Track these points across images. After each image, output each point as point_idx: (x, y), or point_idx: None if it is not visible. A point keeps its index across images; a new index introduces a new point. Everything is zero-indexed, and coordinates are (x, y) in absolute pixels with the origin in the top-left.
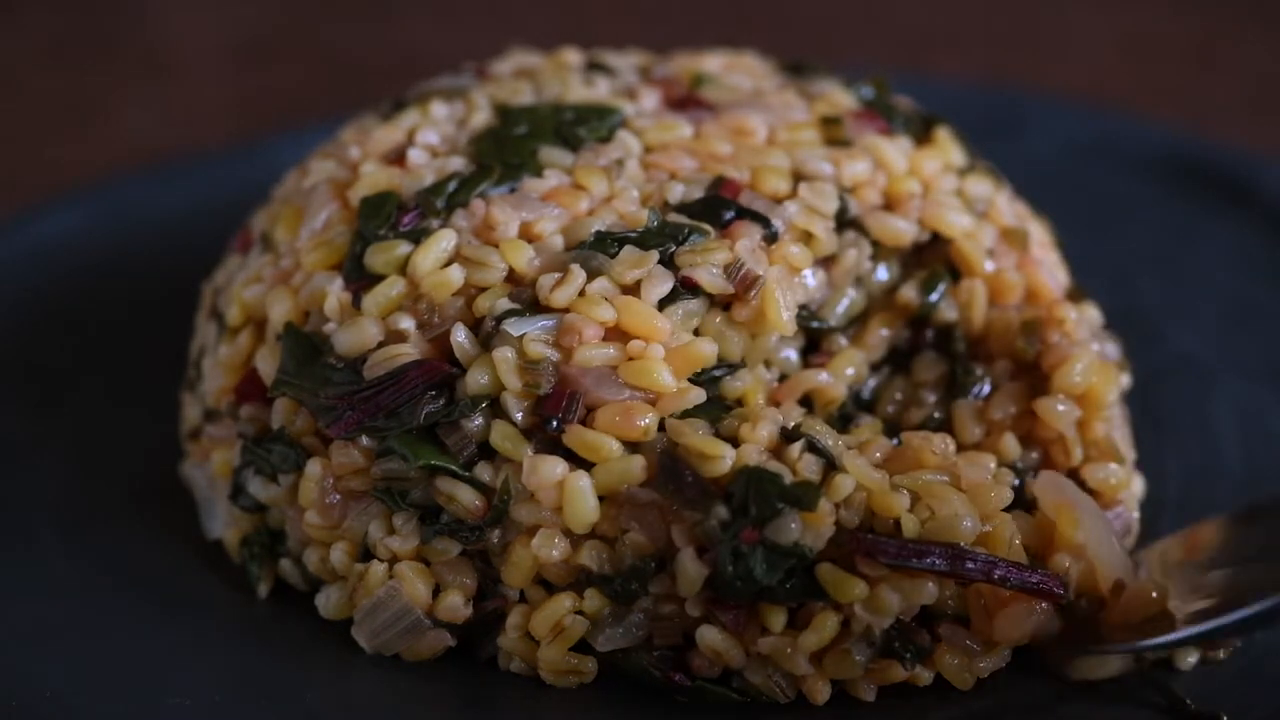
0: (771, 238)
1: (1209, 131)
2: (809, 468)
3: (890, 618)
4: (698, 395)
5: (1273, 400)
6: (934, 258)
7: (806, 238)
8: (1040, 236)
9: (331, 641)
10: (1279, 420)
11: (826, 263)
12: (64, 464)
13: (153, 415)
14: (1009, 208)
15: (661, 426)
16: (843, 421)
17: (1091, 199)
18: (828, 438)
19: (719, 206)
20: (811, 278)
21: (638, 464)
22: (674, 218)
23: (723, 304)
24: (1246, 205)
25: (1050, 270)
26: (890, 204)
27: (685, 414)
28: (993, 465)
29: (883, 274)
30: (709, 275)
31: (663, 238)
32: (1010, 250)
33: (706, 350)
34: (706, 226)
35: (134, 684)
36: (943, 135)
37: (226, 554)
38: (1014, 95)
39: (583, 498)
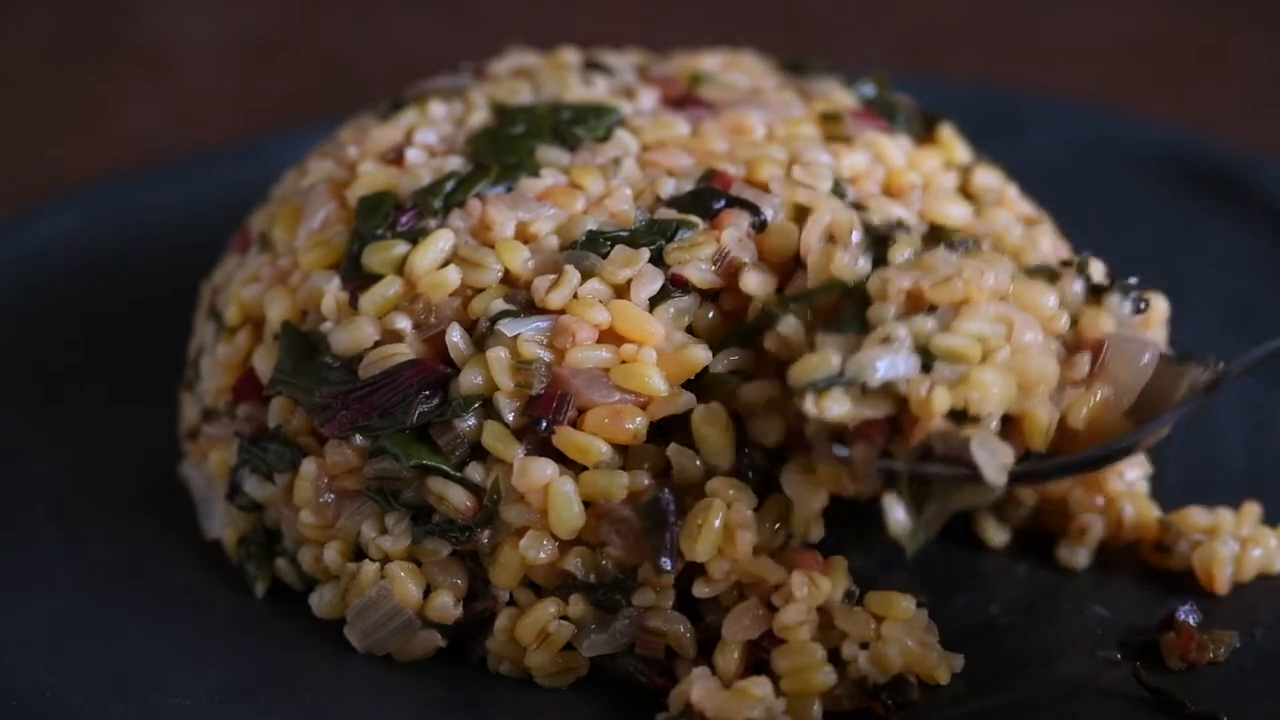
0: (761, 225)
1: (1209, 131)
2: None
3: (890, 675)
4: (688, 400)
5: (1273, 400)
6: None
7: (801, 214)
8: (1050, 229)
9: (329, 641)
10: (1279, 420)
11: None
12: (64, 464)
13: (153, 415)
14: (1020, 199)
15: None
16: (879, 245)
17: (1091, 199)
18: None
19: (709, 198)
20: None
21: (620, 480)
22: (664, 213)
23: (713, 295)
24: (1246, 205)
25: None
26: (889, 194)
27: (677, 417)
28: (1053, 300)
29: None
30: (698, 271)
31: (653, 235)
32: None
33: (700, 355)
34: (695, 219)
35: (134, 684)
36: (946, 133)
37: (225, 553)
38: (1014, 95)
39: (567, 503)
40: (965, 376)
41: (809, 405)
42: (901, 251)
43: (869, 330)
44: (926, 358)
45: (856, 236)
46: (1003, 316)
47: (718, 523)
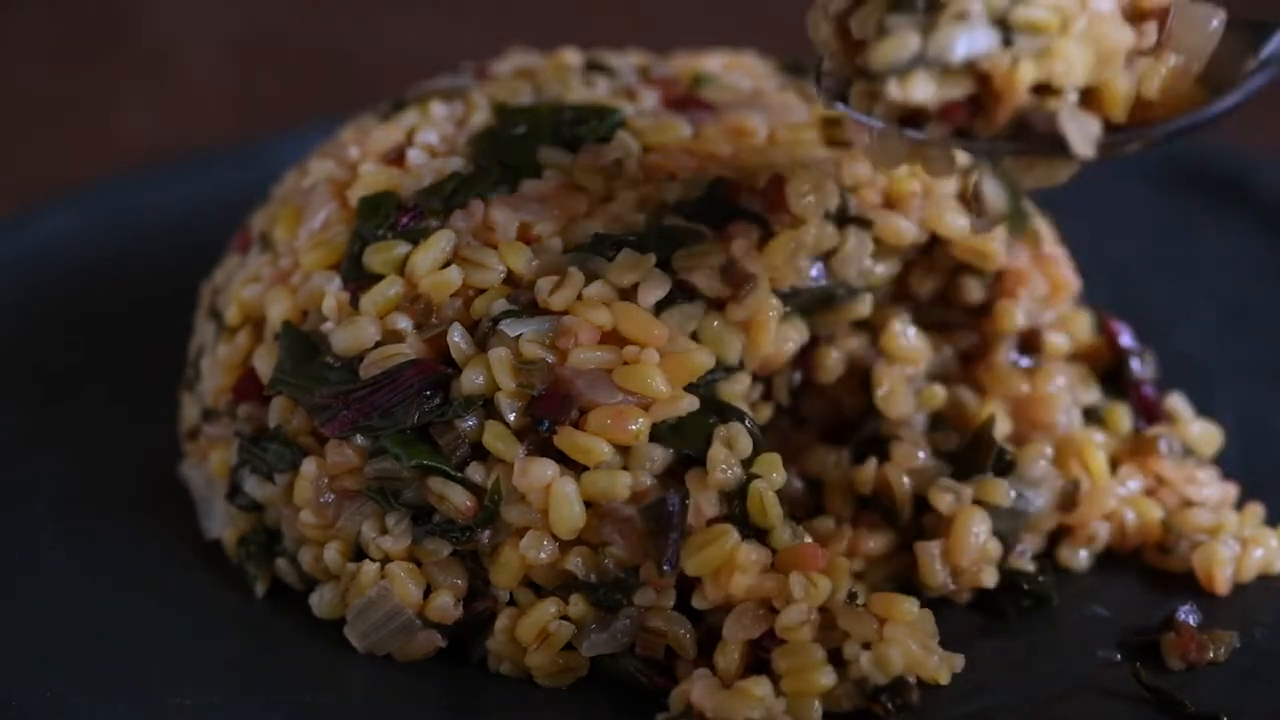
0: (768, 237)
1: (1209, 131)
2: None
3: (892, 676)
4: (691, 403)
5: (1273, 400)
6: (941, 259)
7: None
8: (1049, 234)
9: (329, 640)
10: (1279, 420)
11: (827, 256)
12: (65, 464)
13: (153, 415)
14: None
15: (690, 459)
16: None
17: (1092, 199)
18: None
19: (716, 207)
20: (808, 274)
21: (622, 480)
22: (671, 219)
23: (719, 304)
24: (1246, 205)
25: (1063, 265)
26: (890, 204)
27: (679, 422)
28: None
29: (884, 270)
30: (706, 278)
31: (660, 240)
32: (1024, 247)
33: (703, 359)
34: (703, 228)
35: (134, 684)
36: None
37: (225, 553)
38: None
39: (568, 503)
40: (1047, 48)
41: (892, 89)
42: None
43: (938, 9)
44: (1004, 32)
45: None
46: None
47: (724, 551)
